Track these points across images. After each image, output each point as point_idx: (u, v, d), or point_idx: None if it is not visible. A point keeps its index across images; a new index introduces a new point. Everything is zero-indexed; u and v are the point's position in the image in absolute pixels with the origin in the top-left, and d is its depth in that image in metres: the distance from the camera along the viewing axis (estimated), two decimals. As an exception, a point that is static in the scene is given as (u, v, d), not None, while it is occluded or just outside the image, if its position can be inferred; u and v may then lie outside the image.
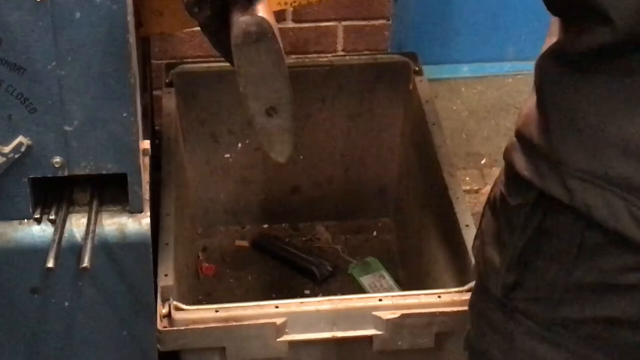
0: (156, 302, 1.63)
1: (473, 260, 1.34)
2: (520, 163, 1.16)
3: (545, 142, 1.13)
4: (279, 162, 1.29)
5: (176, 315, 1.64)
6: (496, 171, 2.64)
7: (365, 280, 2.25)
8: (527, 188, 1.16)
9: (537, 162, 1.14)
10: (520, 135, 1.18)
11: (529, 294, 1.20)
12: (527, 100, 1.20)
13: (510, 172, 1.19)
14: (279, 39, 1.20)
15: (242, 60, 1.21)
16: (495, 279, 1.23)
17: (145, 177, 1.53)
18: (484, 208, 1.29)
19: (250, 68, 1.21)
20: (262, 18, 1.16)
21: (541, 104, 1.14)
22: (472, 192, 2.60)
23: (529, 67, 3.28)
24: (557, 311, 1.18)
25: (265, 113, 1.25)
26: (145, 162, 1.52)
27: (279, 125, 1.26)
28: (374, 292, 2.20)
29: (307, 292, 2.26)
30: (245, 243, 2.39)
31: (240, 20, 1.17)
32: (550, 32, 1.17)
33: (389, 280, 2.25)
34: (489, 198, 1.28)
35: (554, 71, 1.13)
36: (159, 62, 2.41)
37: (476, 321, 1.30)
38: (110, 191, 1.52)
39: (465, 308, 1.66)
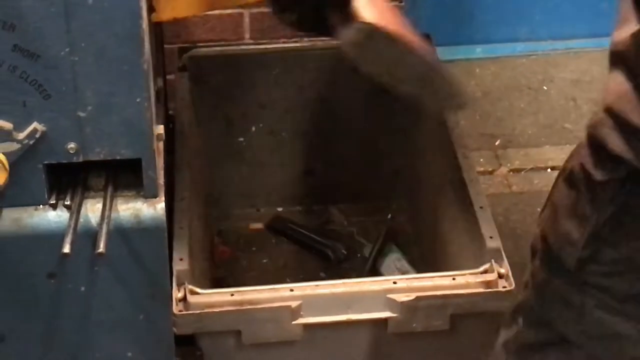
0: (171, 286, 1.63)
1: (537, 230, 1.33)
2: (613, 140, 1.16)
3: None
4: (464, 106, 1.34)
5: (191, 299, 1.65)
6: (511, 152, 2.66)
7: (380, 263, 2.25)
8: (617, 164, 1.16)
9: (630, 138, 1.14)
10: (612, 112, 1.17)
11: (605, 268, 1.21)
12: (614, 77, 1.19)
13: (598, 147, 1.19)
14: (388, 18, 1.22)
15: (365, 64, 1.25)
16: (570, 252, 1.22)
17: (160, 162, 1.53)
18: (557, 179, 1.29)
19: (376, 66, 1.23)
20: (361, 25, 1.20)
21: (637, 82, 1.13)
22: (486, 174, 2.60)
23: (543, 47, 3.29)
24: (633, 286, 1.19)
25: (418, 88, 1.29)
26: (159, 146, 1.52)
27: (436, 86, 1.29)
28: (389, 274, 2.20)
29: (322, 275, 2.26)
30: (259, 226, 2.39)
31: (343, 35, 1.18)
32: (624, 19, 1.16)
33: (404, 263, 2.25)
34: (563, 169, 1.27)
35: None
36: (172, 46, 2.41)
37: (539, 291, 1.29)
38: (125, 176, 1.52)
39: (481, 290, 1.68)
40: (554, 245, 1.26)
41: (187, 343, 1.71)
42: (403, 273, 2.20)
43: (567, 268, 1.23)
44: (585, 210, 1.21)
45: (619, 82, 1.17)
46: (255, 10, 2.50)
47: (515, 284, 1.66)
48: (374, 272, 2.24)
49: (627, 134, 1.15)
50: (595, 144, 1.20)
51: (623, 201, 1.17)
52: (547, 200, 1.32)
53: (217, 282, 2.21)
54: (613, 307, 1.22)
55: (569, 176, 1.25)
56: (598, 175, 1.19)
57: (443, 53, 2.38)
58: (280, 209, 2.43)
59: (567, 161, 1.28)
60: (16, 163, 1.42)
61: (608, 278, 1.21)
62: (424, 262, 2.23)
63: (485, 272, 1.70)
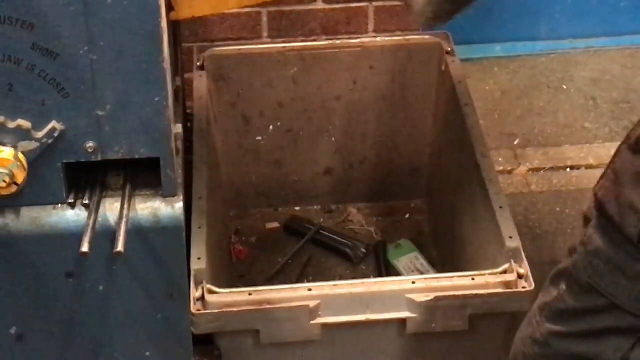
0: (189, 285, 1.63)
1: (593, 198, 1.31)
2: None
3: None
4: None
5: (210, 298, 1.65)
6: (530, 151, 2.64)
7: (399, 262, 2.25)
8: None
9: None
10: None
11: None
12: None
13: None
14: None
15: None
16: (633, 221, 1.20)
17: (178, 161, 1.53)
18: (620, 148, 1.27)
19: None
20: None
21: None
22: (506, 173, 2.59)
23: (563, 45, 3.27)
24: None
25: None
26: (178, 146, 1.52)
27: None
28: (409, 274, 2.19)
29: (347, 272, 2.25)
30: (277, 225, 2.39)
31: None
32: None
33: (423, 262, 2.24)
34: (628, 137, 1.25)
35: None
36: (190, 45, 2.41)
37: (590, 259, 1.27)
38: (144, 175, 1.52)
39: (500, 290, 1.67)
40: (615, 215, 1.23)
41: (205, 342, 1.71)
42: (422, 273, 2.19)
43: (629, 238, 1.21)
44: None
45: None
46: (273, 8, 2.50)
47: (535, 284, 1.65)
48: (393, 271, 2.23)
49: None
50: None
51: None
52: (607, 169, 1.29)
53: (235, 282, 2.21)
54: None
55: (635, 143, 1.23)
56: None
57: (462, 51, 2.38)
58: (298, 209, 2.43)
59: (632, 129, 1.26)
60: (35, 162, 1.42)
61: None
62: (442, 262, 2.23)
63: (504, 272, 1.69)
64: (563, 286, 1.31)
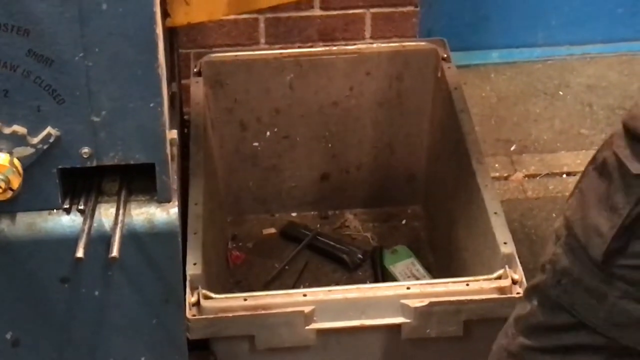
0: (185, 290, 1.63)
1: (562, 218, 1.30)
2: None
3: None
4: None
5: (205, 303, 1.65)
6: (526, 157, 2.65)
7: (396, 268, 2.25)
8: None
9: None
10: None
11: (631, 261, 1.19)
12: None
13: (634, 140, 1.16)
14: None
15: None
16: (598, 243, 1.20)
17: (174, 166, 1.53)
18: (587, 168, 1.26)
19: None
20: None
21: None
22: (502, 179, 2.59)
23: (559, 52, 3.27)
24: None
25: None
26: (173, 151, 1.52)
27: None
28: (405, 280, 2.19)
29: (344, 278, 2.25)
30: (274, 231, 2.39)
31: None
32: None
33: (419, 268, 2.24)
34: (595, 158, 1.25)
35: None
36: (187, 51, 2.42)
37: (558, 278, 1.27)
38: (139, 181, 1.53)
39: (495, 296, 1.67)
40: (581, 236, 1.24)
41: (200, 347, 1.71)
42: (418, 279, 2.19)
43: (594, 259, 1.21)
44: (616, 202, 1.19)
45: None
46: (270, 15, 2.51)
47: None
48: (390, 277, 2.24)
49: None
50: (631, 136, 1.18)
51: None
52: (575, 188, 1.30)
53: (232, 287, 2.22)
54: (637, 298, 1.19)
55: (601, 166, 1.23)
56: (634, 168, 1.17)
57: (459, 58, 2.38)
58: (294, 214, 2.43)
59: (599, 150, 1.26)
60: (30, 167, 1.43)
61: (636, 271, 1.19)
62: (439, 268, 2.23)
63: (499, 278, 1.70)
64: (535, 302, 1.32)
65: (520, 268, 1.71)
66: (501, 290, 1.68)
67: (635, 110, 1.19)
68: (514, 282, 1.68)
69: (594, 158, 1.26)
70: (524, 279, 1.69)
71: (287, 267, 2.29)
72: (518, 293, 1.67)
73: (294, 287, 2.20)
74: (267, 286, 2.22)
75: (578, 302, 1.25)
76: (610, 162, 1.20)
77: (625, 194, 1.18)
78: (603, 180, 1.22)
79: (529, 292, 1.34)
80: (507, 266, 1.70)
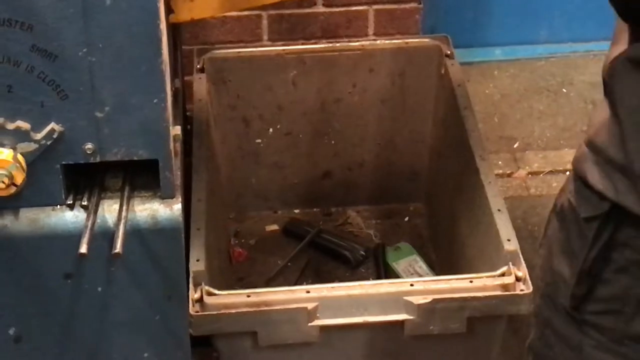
0: (188, 287, 1.63)
1: (538, 269, 1.31)
2: (593, 175, 1.13)
3: (620, 153, 1.09)
4: None
5: (208, 300, 1.65)
6: (529, 155, 2.65)
7: (398, 265, 2.25)
8: (600, 200, 1.13)
9: (611, 174, 1.11)
10: (592, 145, 1.14)
11: (599, 306, 1.18)
12: (598, 109, 1.15)
13: (580, 183, 1.16)
14: None
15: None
16: (564, 290, 1.20)
17: (177, 163, 1.53)
18: (550, 215, 1.26)
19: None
20: None
21: (615, 113, 1.10)
22: (505, 176, 2.59)
23: (562, 49, 3.27)
24: (630, 325, 1.16)
25: None
26: (176, 147, 1.52)
27: None
28: (408, 277, 2.19)
29: (346, 275, 2.25)
30: (276, 228, 2.39)
31: None
32: (616, 39, 1.13)
33: (422, 265, 2.24)
34: (555, 205, 1.24)
35: (630, 78, 1.08)
36: (190, 47, 2.41)
37: (542, 330, 1.27)
38: (142, 177, 1.52)
39: (498, 293, 1.67)
40: (550, 284, 1.24)
41: (203, 344, 1.71)
42: (421, 276, 2.19)
43: (565, 307, 1.21)
44: (574, 247, 1.18)
45: (601, 114, 1.14)
46: (273, 11, 2.50)
47: (533, 287, 1.66)
48: (392, 274, 2.23)
49: (605, 168, 1.12)
50: (579, 179, 1.17)
51: (608, 238, 1.14)
52: (543, 237, 1.30)
53: (234, 284, 2.22)
54: (612, 348, 1.19)
55: (559, 212, 1.22)
56: (582, 212, 1.16)
57: (462, 55, 2.38)
58: (297, 211, 2.43)
59: (558, 196, 1.25)
60: (34, 163, 1.42)
61: (604, 316, 1.18)
62: (442, 265, 2.23)
63: (502, 275, 1.70)
64: (530, 359, 1.32)
65: (524, 265, 1.71)
66: (505, 287, 1.68)
67: (579, 152, 1.18)
68: (518, 279, 1.68)
69: (554, 204, 1.26)
70: (527, 276, 1.68)
71: (289, 264, 2.29)
72: (522, 290, 1.67)
73: (296, 284, 2.20)
74: (269, 283, 2.22)
75: (559, 354, 1.25)
76: (566, 207, 1.20)
77: (580, 238, 1.17)
78: (563, 226, 1.21)
79: (528, 350, 1.34)
80: (510, 263, 1.70)
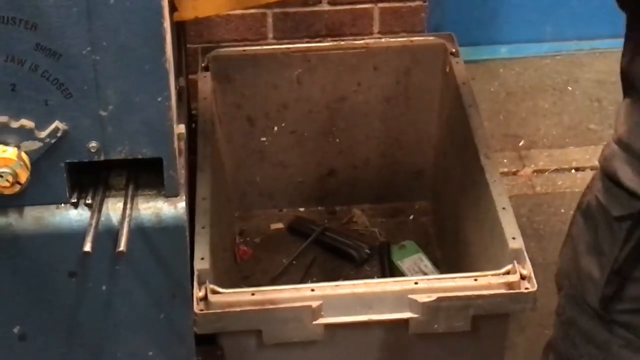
0: (192, 285, 1.63)
1: (561, 267, 1.29)
2: (625, 173, 1.12)
3: None
4: None
5: (212, 298, 1.65)
6: (534, 153, 2.64)
7: (403, 263, 2.25)
8: (631, 198, 1.12)
9: None
10: (623, 144, 1.13)
11: (629, 305, 1.17)
12: (626, 106, 1.14)
13: (610, 181, 1.15)
14: None
15: None
16: (593, 289, 1.19)
17: (181, 161, 1.53)
18: (575, 215, 1.25)
19: None
20: None
21: None
22: (510, 174, 2.59)
23: (568, 47, 3.26)
24: None
25: None
26: (180, 146, 1.52)
27: None
28: (413, 275, 2.19)
29: (351, 273, 2.25)
30: (281, 226, 2.39)
31: None
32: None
33: (427, 263, 2.24)
34: (580, 204, 1.23)
35: None
36: (195, 46, 2.41)
37: (565, 329, 1.26)
38: (146, 175, 1.53)
39: (503, 291, 1.67)
40: (577, 284, 1.23)
41: (207, 342, 1.71)
42: (426, 274, 2.19)
43: (593, 307, 1.20)
44: (604, 246, 1.17)
45: (632, 112, 1.13)
46: (278, 10, 2.50)
47: (538, 286, 1.65)
48: (397, 272, 2.23)
49: (639, 167, 1.11)
50: (608, 178, 1.16)
51: None
52: (567, 236, 1.29)
53: (239, 282, 2.22)
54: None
55: (585, 211, 1.21)
56: (614, 210, 1.15)
57: (468, 53, 2.38)
58: (302, 210, 2.43)
59: (583, 194, 1.24)
60: (38, 162, 1.43)
61: (634, 315, 1.17)
62: (447, 263, 2.22)
63: (507, 273, 1.69)
64: (551, 358, 1.31)
65: (529, 263, 1.70)
66: (509, 285, 1.67)
67: (607, 150, 1.17)
68: (523, 277, 1.68)
69: (579, 203, 1.24)
70: (532, 274, 1.68)
71: (294, 262, 2.29)
72: (527, 288, 1.66)
73: (301, 282, 2.20)
74: (274, 281, 2.22)
75: (585, 356, 1.24)
76: (593, 206, 1.19)
77: (611, 237, 1.16)
78: (589, 225, 1.20)
79: (546, 349, 1.33)
80: (515, 261, 1.70)
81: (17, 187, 1.41)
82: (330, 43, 2.31)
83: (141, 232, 1.49)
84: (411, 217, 2.41)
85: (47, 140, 1.41)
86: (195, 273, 1.67)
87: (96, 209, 1.47)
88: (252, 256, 2.32)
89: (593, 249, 1.19)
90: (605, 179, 1.17)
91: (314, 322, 1.68)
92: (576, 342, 1.25)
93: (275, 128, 2.32)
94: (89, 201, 1.49)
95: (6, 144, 1.40)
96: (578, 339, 1.24)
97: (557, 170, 2.61)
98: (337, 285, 1.70)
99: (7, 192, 1.41)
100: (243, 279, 2.24)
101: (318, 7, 2.52)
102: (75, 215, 1.49)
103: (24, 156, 1.41)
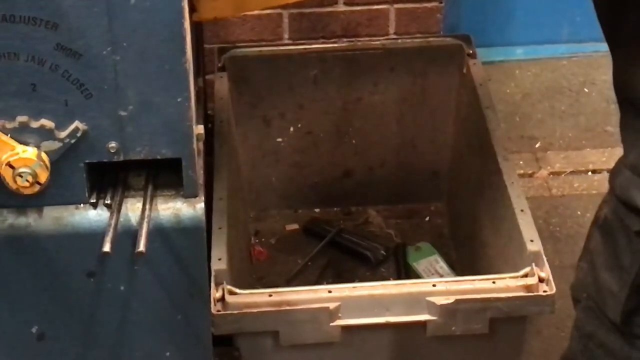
0: (210, 286, 1.63)
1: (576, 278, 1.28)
2: None
3: None
4: None
5: (230, 299, 1.65)
6: (551, 155, 2.64)
7: (419, 265, 2.24)
8: None
9: None
10: (638, 170, 1.12)
11: None
12: (631, 126, 1.14)
13: (629, 209, 1.13)
14: None
15: None
16: (613, 304, 1.18)
17: (200, 162, 1.53)
18: (591, 228, 1.24)
19: None
20: None
21: None
22: (526, 176, 2.58)
23: (584, 49, 3.25)
24: None
25: None
26: (199, 147, 1.52)
27: None
28: (429, 277, 2.19)
29: (367, 274, 2.25)
30: (297, 227, 2.39)
31: None
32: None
33: (443, 265, 2.23)
34: (597, 218, 1.22)
35: None
36: (212, 46, 2.41)
37: (585, 343, 1.25)
38: (165, 176, 1.52)
39: (521, 294, 1.66)
40: (596, 298, 1.22)
41: (225, 343, 1.71)
42: (442, 275, 2.19)
43: (613, 321, 1.19)
44: (624, 261, 1.16)
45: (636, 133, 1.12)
46: (294, 10, 2.50)
47: (556, 288, 1.65)
48: (413, 274, 2.23)
49: None
50: (626, 206, 1.14)
51: None
52: (584, 250, 1.28)
53: (254, 283, 2.21)
54: None
55: (603, 225, 1.20)
56: (634, 225, 1.14)
57: (484, 54, 2.37)
58: (317, 210, 2.42)
59: (599, 208, 1.23)
60: (57, 162, 1.43)
61: None
62: (462, 265, 2.22)
63: (525, 275, 1.69)
64: None
65: (547, 266, 1.69)
66: (528, 288, 1.67)
67: (621, 177, 1.15)
68: (541, 280, 1.67)
69: (596, 217, 1.23)
70: (550, 277, 1.67)
71: (309, 263, 2.29)
72: (545, 291, 1.66)
73: (316, 283, 2.20)
74: (289, 282, 2.22)
75: None
76: (611, 219, 1.18)
77: (631, 251, 1.15)
78: (607, 240, 1.19)
79: None
80: (533, 264, 1.69)
81: (37, 187, 1.41)
82: (347, 44, 2.31)
83: (160, 233, 1.49)
84: (427, 218, 2.40)
85: (67, 140, 1.41)
86: (213, 274, 1.67)
87: (115, 209, 1.47)
88: (268, 257, 2.31)
89: (612, 264, 1.18)
90: (622, 206, 1.15)
91: (331, 324, 1.68)
92: (595, 356, 1.24)
93: (291, 128, 2.32)
94: (108, 201, 1.49)
95: (26, 144, 1.40)
96: (597, 353, 1.23)
97: (573, 173, 2.60)
98: (354, 287, 1.70)
99: (26, 192, 1.41)
100: (258, 280, 2.24)
101: (334, 8, 2.51)
102: (94, 215, 1.49)
103: (44, 156, 1.41)
